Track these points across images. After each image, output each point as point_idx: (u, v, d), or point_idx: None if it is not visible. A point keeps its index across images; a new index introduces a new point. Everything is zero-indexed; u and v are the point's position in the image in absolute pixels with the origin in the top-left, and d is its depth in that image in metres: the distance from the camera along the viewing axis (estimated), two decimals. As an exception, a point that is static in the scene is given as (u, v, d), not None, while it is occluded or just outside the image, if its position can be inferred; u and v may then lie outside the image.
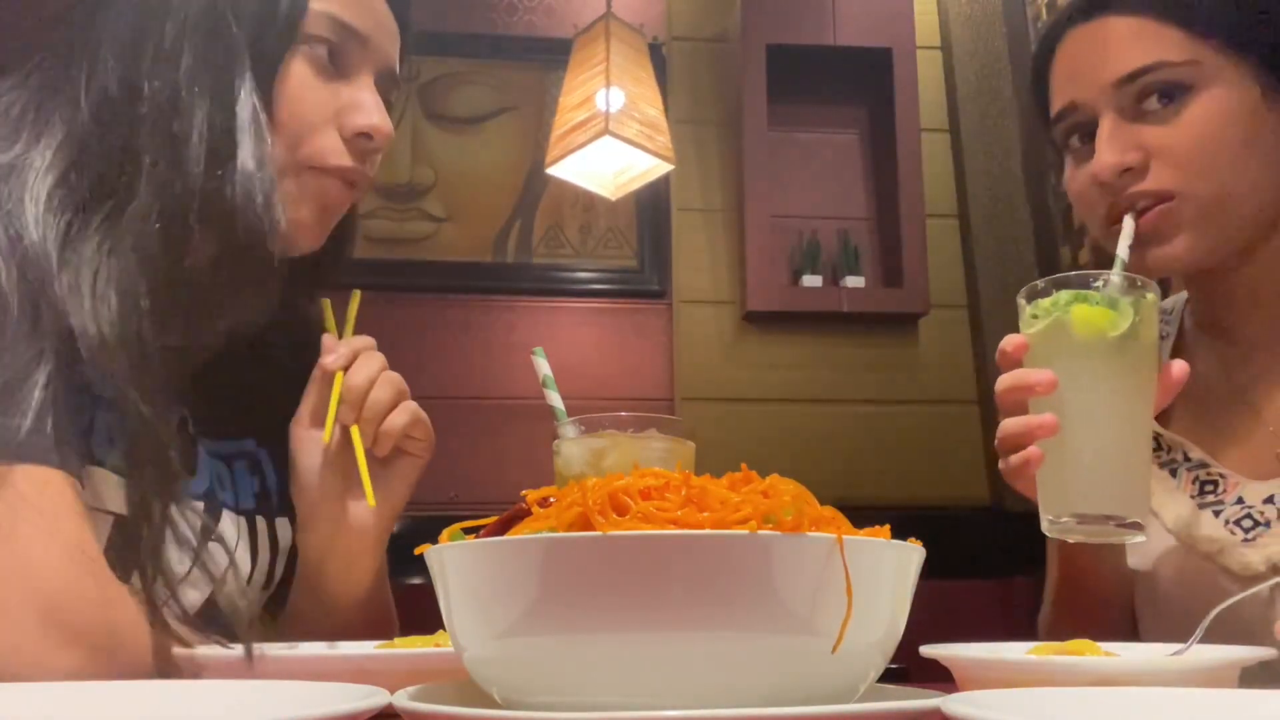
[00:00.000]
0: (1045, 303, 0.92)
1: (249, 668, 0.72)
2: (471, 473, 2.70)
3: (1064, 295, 0.91)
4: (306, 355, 1.01)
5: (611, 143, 2.54)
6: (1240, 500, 1.06)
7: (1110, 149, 1.02)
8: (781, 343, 2.99)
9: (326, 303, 0.99)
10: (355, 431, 0.95)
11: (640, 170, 2.72)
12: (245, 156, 0.88)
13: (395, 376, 0.98)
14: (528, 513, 0.57)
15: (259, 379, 1.06)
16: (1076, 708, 0.53)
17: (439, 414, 1.01)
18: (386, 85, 0.99)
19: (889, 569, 0.54)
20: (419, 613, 1.02)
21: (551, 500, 0.57)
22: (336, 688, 0.55)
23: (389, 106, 0.99)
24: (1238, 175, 1.02)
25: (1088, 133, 1.07)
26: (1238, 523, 1.04)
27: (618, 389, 2.93)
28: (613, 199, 2.82)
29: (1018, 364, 0.95)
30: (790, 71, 3.00)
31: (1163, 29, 1.03)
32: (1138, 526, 0.91)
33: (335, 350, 0.96)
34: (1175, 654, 0.76)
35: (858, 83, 3.08)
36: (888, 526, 0.55)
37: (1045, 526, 0.93)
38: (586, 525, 0.52)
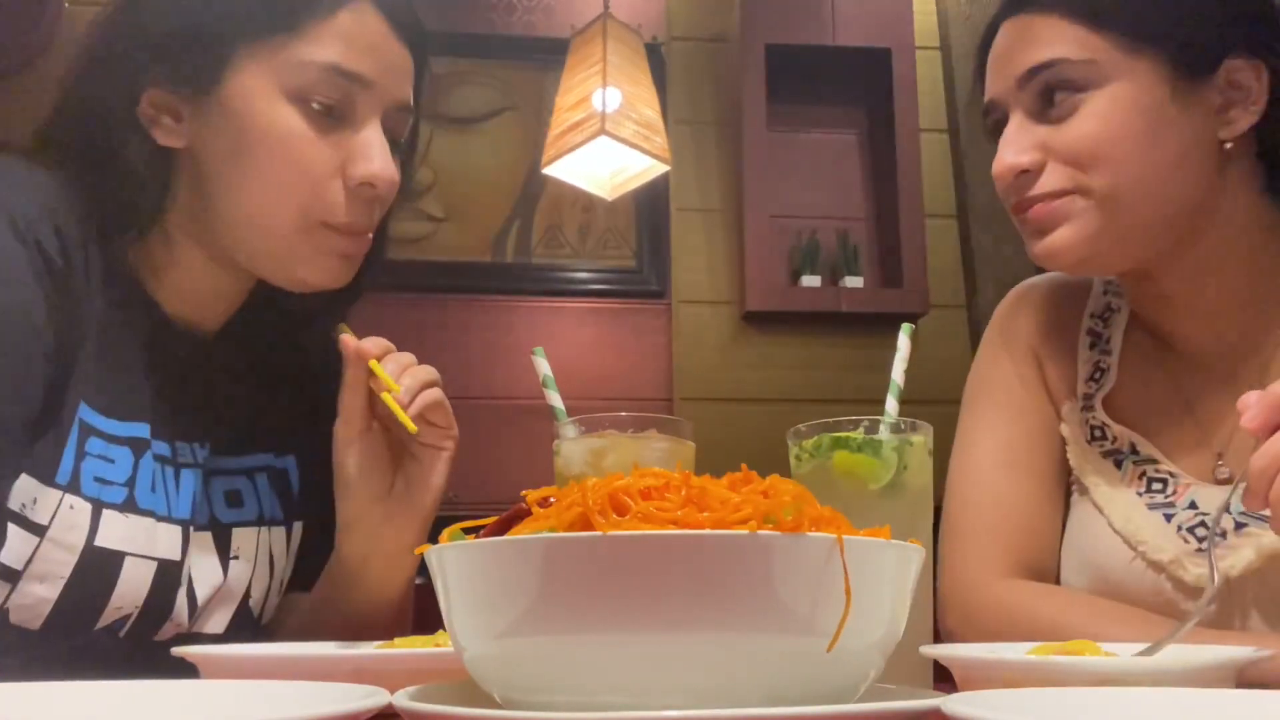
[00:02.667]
0: (809, 444, 0.84)
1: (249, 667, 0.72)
2: (471, 473, 2.69)
3: (825, 440, 0.83)
4: (324, 371, 1.04)
5: (608, 143, 2.54)
6: (1193, 505, 0.99)
7: (1008, 149, 1.01)
8: (780, 343, 2.99)
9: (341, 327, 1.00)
10: (389, 398, 0.94)
11: (637, 170, 2.73)
12: None
13: (430, 367, 0.99)
14: (528, 513, 0.57)
15: (274, 395, 1.09)
16: (1076, 708, 0.53)
17: (439, 414, 1.01)
18: (397, 119, 0.98)
19: (889, 569, 0.54)
20: (419, 613, 1.02)
21: (551, 500, 0.57)
22: (336, 688, 0.55)
23: (398, 139, 0.98)
24: (1139, 170, 0.98)
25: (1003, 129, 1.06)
26: (1191, 530, 0.97)
27: (618, 389, 2.93)
28: (609, 199, 2.82)
29: None
30: (790, 71, 3.01)
31: (1068, 26, 1.00)
32: None
33: (364, 341, 0.97)
34: (1141, 653, 0.73)
35: (857, 83, 3.08)
36: (888, 526, 0.55)
37: None
38: (586, 525, 0.52)
